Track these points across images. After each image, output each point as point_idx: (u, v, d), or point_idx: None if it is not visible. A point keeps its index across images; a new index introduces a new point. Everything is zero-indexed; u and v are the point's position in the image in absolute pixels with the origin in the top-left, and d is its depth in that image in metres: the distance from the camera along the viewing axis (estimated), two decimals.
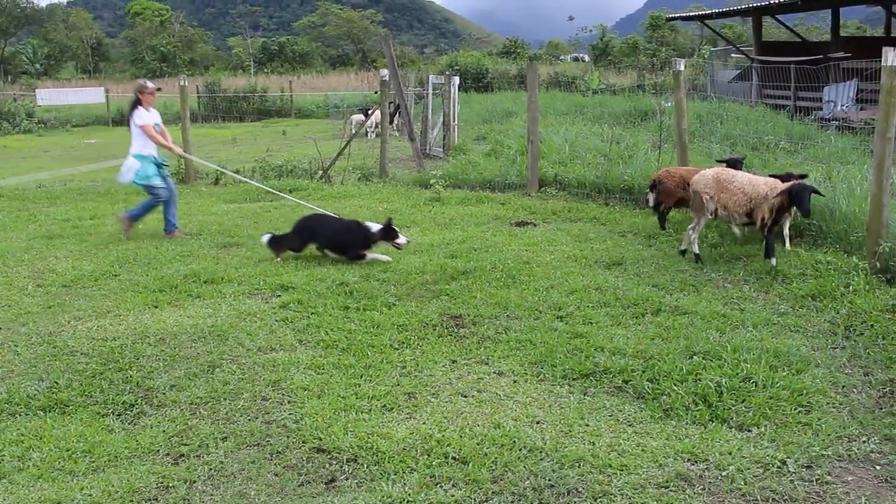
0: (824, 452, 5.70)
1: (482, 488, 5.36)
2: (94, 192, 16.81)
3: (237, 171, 18.58)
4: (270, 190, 14.53)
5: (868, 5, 33.96)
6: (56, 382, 7.23)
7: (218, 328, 8.39)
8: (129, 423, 6.54)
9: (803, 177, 10.41)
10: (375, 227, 10.89)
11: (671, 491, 5.27)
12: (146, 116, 12.32)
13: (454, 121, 21.40)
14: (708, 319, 8.23)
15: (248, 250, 11.57)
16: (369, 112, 23.27)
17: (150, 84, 12.71)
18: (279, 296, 9.44)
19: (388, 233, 10.84)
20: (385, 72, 18.49)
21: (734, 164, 11.78)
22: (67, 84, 44.16)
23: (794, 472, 5.46)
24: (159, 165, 12.59)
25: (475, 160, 18.23)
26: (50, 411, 6.74)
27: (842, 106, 23.83)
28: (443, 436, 6.02)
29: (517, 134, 20.15)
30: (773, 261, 9.83)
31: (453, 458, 5.73)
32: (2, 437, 6.28)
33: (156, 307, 9.19)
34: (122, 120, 33.67)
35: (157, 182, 12.46)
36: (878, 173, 9.11)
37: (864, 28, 75.69)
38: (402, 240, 10.89)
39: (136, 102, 12.46)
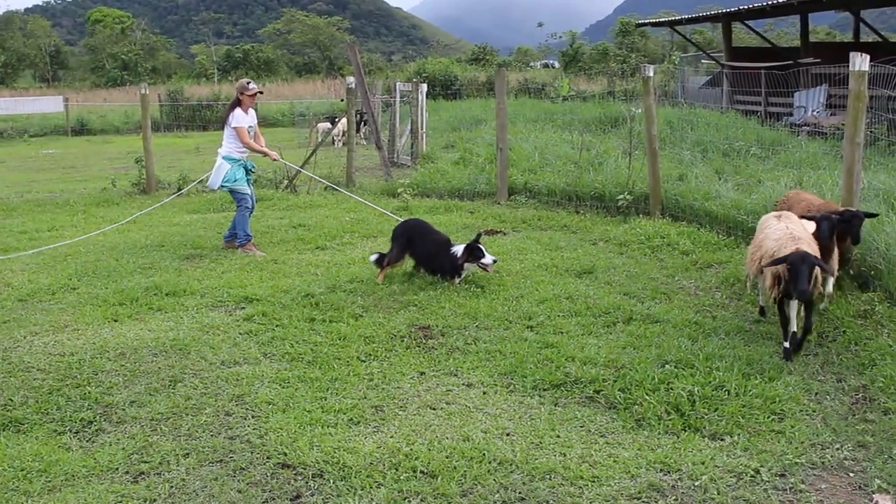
0: (798, 460, 5.62)
1: (451, 502, 5.22)
2: (52, 204, 16.51)
3: (201, 181, 18.37)
4: (369, 203, 14.02)
5: (837, 11, 34.26)
6: (11, 400, 7.02)
7: (180, 342, 8.19)
8: (87, 441, 6.35)
9: (859, 216, 8.39)
10: (460, 248, 9.96)
11: (643, 502, 5.17)
12: (241, 118, 11.82)
13: (422, 129, 21.29)
14: (680, 327, 8.14)
15: (211, 262, 11.36)
16: (336, 120, 23.10)
17: (252, 85, 12.10)
18: (243, 308, 9.25)
19: (473, 252, 9.85)
20: (351, 79, 18.34)
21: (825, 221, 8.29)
22: (25, 93, 43.57)
23: (768, 481, 5.37)
24: (248, 171, 12.15)
25: (444, 168, 18.12)
26: (4, 430, 6.54)
27: (812, 111, 23.96)
28: (411, 449, 5.87)
29: (486, 141, 20.05)
30: (788, 353, 7.44)
31: (422, 472, 5.58)
32: None
33: (116, 321, 8.96)
34: (83, 130, 33.23)
35: (243, 187, 11.97)
36: (848, 178, 9.08)
37: (834, 34, 76.44)
38: (487, 259, 9.84)
39: (236, 103, 12.02)
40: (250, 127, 11.94)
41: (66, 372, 7.56)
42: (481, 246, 9.86)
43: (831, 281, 8.35)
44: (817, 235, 7.98)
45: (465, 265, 9.86)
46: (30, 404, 6.92)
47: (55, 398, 7.02)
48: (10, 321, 9.07)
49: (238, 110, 11.85)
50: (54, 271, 11.04)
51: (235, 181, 11.80)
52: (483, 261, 9.78)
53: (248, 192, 11.98)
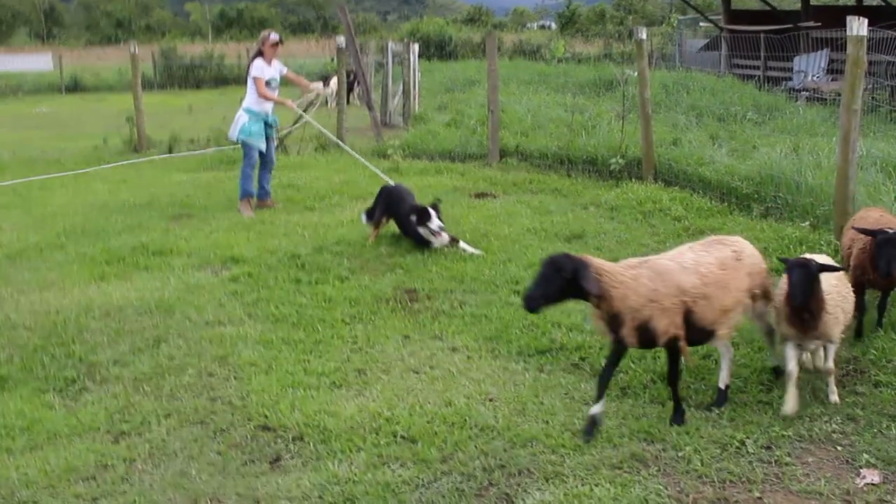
0: (784, 433, 5.58)
1: (431, 468, 5.20)
2: (43, 162, 16.39)
3: (192, 141, 18.27)
4: (369, 165, 13.72)
5: None
6: None
7: (165, 302, 8.15)
8: (71, 400, 6.34)
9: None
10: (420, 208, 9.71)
11: (625, 472, 5.13)
12: (261, 69, 11.53)
13: (414, 90, 21.12)
14: None
15: (199, 221, 11.29)
16: (328, 80, 22.93)
17: (273, 35, 11.78)
18: (229, 268, 9.20)
19: (420, 215, 9.59)
20: (342, 38, 18.15)
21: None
22: (20, 50, 43.19)
23: (753, 453, 5.34)
24: (269, 125, 11.87)
25: (435, 130, 17.99)
26: None
27: (812, 76, 23.77)
28: (392, 414, 5.85)
29: (479, 103, 19.89)
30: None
31: (402, 436, 5.56)
32: None
33: (102, 280, 8.92)
34: (76, 87, 32.98)
35: (255, 141, 11.66)
36: (844, 146, 8.98)
37: None
38: (434, 224, 9.51)
39: (257, 54, 11.75)
40: (273, 78, 11.69)
41: (52, 330, 7.54)
42: (430, 210, 9.55)
43: None
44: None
45: (421, 230, 9.62)
46: (14, 362, 6.91)
47: (40, 356, 7.01)
48: None
49: (259, 60, 11.60)
50: (43, 229, 10.97)
51: (249, 135, 11.59)
52: (429, 224, 9.50)
53: (261, 147, 11.70)
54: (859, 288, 6.74)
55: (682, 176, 12.56)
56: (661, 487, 4.96)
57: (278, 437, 5.65)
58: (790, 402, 5.76)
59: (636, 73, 13.49)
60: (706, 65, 29.63)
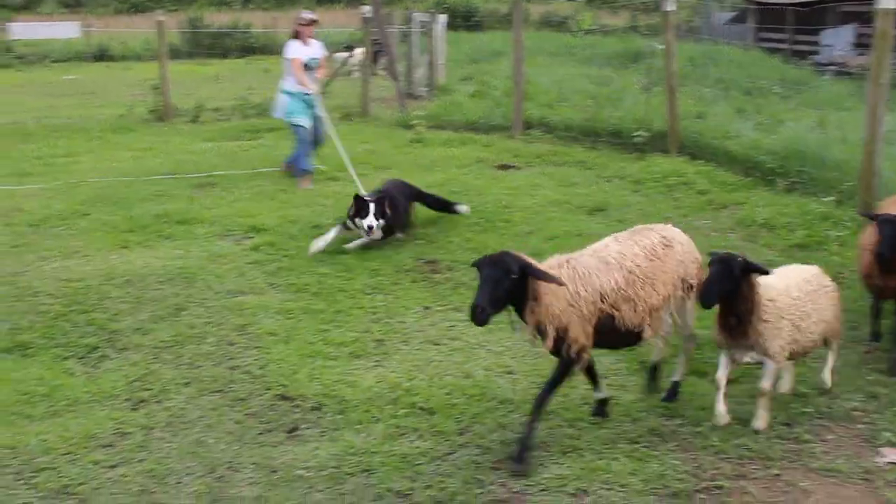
0: (805, 409, 5.54)
1: (448, 440, 5.21)
2: (69, 129, 16.39)
3: (217, 109, 18.26)
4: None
5: None
6: (18, 324, 7.06)
7: (187, 270, 8.17)
8: (91, 367, 6.39)
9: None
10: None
11: (643, 447, 5.12)
12: (295, 50, 11.41)
13: (440, 60, 20.98)
14: None
15: (222, 190, 11.28)
16: (354, 50, 22.80)
17: (305, 15, 11.69)
18: (251, 237, 9.20)
19: (358, 207, 8.75)
20: (367, 8, 18.02)
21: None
22: (48, 18, 43.20)
23: (773, 430, 5.30)
24: (309, 105, 11.57)
25: (460, 101, 17.87)
26: (10, 353, 6.59)
27: (840, 50, 23.45)
28: (411, 385, 5.86)
29: (504, 74, 19.73)
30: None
31: (420, 408, 5.57)
32: None
33: (125, 248, 8.95)
34: (103, 56, 32.94)
35: (298, 118, 11.46)
36: (871, 120, 8.87)
37: None
38: (365, 221, 8.63)
39: (294, 35, 11.63)
40: (311, 59, 11.58)
41: (73, 298, 7.57)
42: (371, 203, 8.65)
43: None
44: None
45: (354, 221, 8.77)
46: (36, 329, 6.95)
47: (61, 323, 7.06)
48: (21, 246, 9.07)
49: (295, 42, 11.49)
50: (67, 197, 11.00)
51: (290, 114, 11.51)
52: (364, 221, 8.62)
53: (303, 124, 11.48)
54: (876, 294, 6.53)
55: (707, 149, 12.44)
56: (679, 463, 4.95)
57: (296, 407, 5.67)
58: (719, 415, 5.30)
59: (663, 46, 13.35)
60: (733, 38, 29.28)
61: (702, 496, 4.72)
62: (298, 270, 8.11)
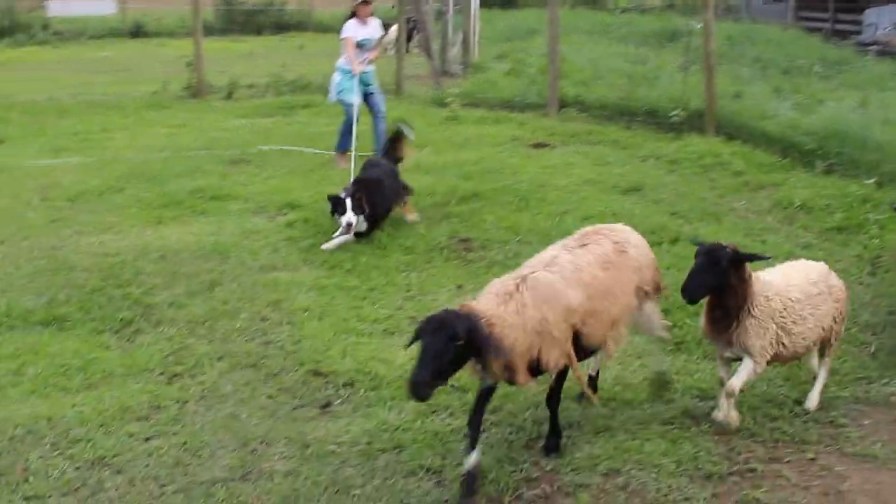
0: (841, 394, 5.48)
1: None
2: (105, 106, 16.50)
3: (250, 86, 18.27)
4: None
5: None
6: (55, 298, 7.12)
7: (221, 246, 8.21)
8: (126, 341, 6.44)
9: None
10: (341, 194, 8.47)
11: (676, 428, 5.08)
12: (349, 29, 11.24)
13: (474, 38, 20.87)
14: None
15: (256, 167, 11.30)
16: (388, 28, 22.75)
17: None
18: (285, 214, 9.23)
19: (336, 205, 8.37)
20: None
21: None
22: None
23: (809, 414, 5.24)
24: (364, 84, 11.43)
25: (494, 79, 17.77)
26: (47, 326, 6.66)
27: (884, 29, 23.05)
28: None
29: (539, 52, 19.58)
30: None
31: (452, 386, 5.55)
32: None
33: (159, 223, 9.00)
34: (138, 32, 33.05)
35: (347, 97, 11.28)
36: None
37: None
38: (344, 217, 8.20)
39: (351, 14, 11.45)
40: (366, 38, 11.43)
41: (109, 272, 7.63)
42: (346, 198, 8.27)
43: None
44: None
45: (335, 216, 8.39)
46: (73, 303, 7.01)
47: (97, 297, 7.11)
48: (59, 220, 9.15)
49: (351, 21, 11.38)
50: (102, 172, 11.07)
51: (341, 91, 11.42)
52: (341, 218, 8.24)
53: (354, 102, 11.20)
54: None
55: (744, 129, 12.30)
56: (712, 445, 4.91)
57: (329, 383, 5.69)
58: (721, 414, 5.04)
59: (701, 25, 13.19)
60: (772, 17, 28.89)
61: (735, 479, 4.69)
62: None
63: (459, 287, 7.21)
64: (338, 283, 7.32)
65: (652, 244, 7.88)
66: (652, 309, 5.29)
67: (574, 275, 4.68)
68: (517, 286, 4.51)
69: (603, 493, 4.57)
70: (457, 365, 4.29)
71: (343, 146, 11.36)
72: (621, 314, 4.91)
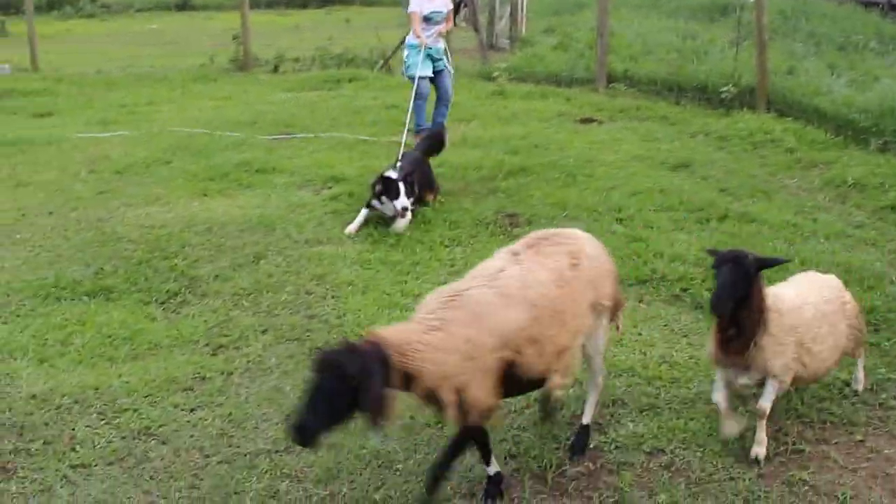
0: (892, 376, 5.36)
1: (528, 393, 5.13)
2: (152, 79, 16.63)
3: (297, 60, 18.28)
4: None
5: None
6: (102, 268, 7.19)
7: (266, 219, 8.22)
8: (172, 312, 6.48)
9: None
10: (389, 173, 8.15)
11: None
12: (416, 2, 10.88)
13: (522, 12, 20.69)
14: (777, 228, 7.80)
15: (301, 140, 11.30)
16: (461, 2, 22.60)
17: None
18: (330, 187, 9.21)
19: (386, 186, 7.98)
20: None
21: None
22: None
23: (857, 396, 5.14)
24: (432, 59, 11.05)
25: (542, 53, 17.61)
26: (94, 297, 6.72)
27: None
28: None
29: (587, 26, 19.37)
30: None
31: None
32: (46, 322, 6.27)
33: (205, 196, 9.04)
34: (185, 5, 33.26)
35: (415, 72, 10.85)
36: None
37: None
38: (398, 202, 7.84)
39: None
40: (434, 12, 10.93)
41: (155, 244, 7.68)
42: (399, 181, 7.90)
43: None
44: None
45: (381, 201, 8.03)
46: (119, 274, 7.07)
47: (143, 269, 7.16)
48: (106, 192, 9.23)
49: None
50: (150, 145, 11.15)
51: (409, 67, 11.24)
52: (395, 202, 7.87)
53: (421, 76, 10.77)
54: None
55: (796, 106, 12.08)
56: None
57: None
58: (725, 428, 4.63)
59: None
60: None
61: (781, 459, 4.62)
62: (376, 221, 8.09)
63: None
64: (381, 257, 7.30)
65: (700, 221, 7.94)
66: (603, 328, 4.61)
67: (520, 292, 4.03)
68: (448, 305, 3.94)
69: (646, 472, 4.52)
70: (350, 409, 3.62)
71: (419, 124, 11.02)
72: (571, 341, 4.21)
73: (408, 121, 10.02)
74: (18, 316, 6.38)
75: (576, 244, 4.41)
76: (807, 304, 4.63)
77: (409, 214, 7.93)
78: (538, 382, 4.19)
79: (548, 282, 4.13)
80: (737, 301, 4.25)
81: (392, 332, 3.79)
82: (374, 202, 8.06)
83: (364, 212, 8.13)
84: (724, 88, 12.96)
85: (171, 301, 6.64)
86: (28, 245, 7.81)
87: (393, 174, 7.99)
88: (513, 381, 4.01)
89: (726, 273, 4.26)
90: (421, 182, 8.36)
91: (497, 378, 3.91)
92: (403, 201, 7.83)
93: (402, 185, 7.88)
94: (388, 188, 7.91)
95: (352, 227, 7.99)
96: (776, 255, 4.75)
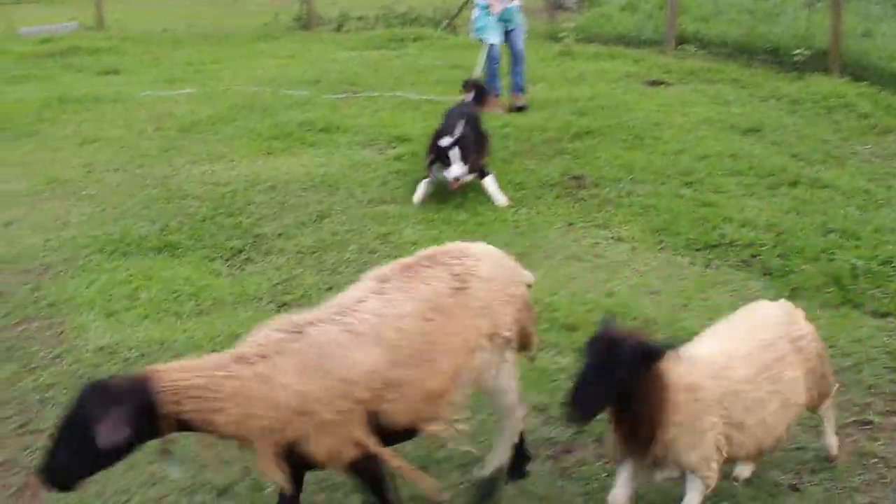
0: None
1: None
2: (216, 37, 16.67)
3: (360, 18, 18.21)
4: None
5: None
6: (167, 225, 7.25)
7: (330, 178, 8.22)
8: (236, 269, 6.52)
9: None
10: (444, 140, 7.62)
11: None
12: None
13: None
14: (849, 195, 7.60)
15: (365, 99, 11.25)
16: None
17: None
18: (395, 147, 9.17)
19: (438, 153, 7.59)
20: None
21: None
22: None
23: None
24: (506, 20, 10.72)
25: (610, 13, 17.30)
26: (160, 253, 6.79)
27: None
28: (552, 300, 5.74)
29: None
30: None
31: (562, 324, 5.47)
32: (113, 277, 6.35)
33: (269, 154, 9.05)
34: None
35: (484, 35, 10.67)
36: None
37: None
38: (452, 170, 7.44)
39: None
40: None
41: (220, 201, 7.72)
42: (450, 148, 7.46)
43: None
44: None
45: (435, 168, 7.65)
46: (185, 230, 7.13)
47: (208, 226, 7.21)
48: (171, 150, 9.29)
49: None
50: (214, 103, 11.18)
51: (478, 30, 11.07)
52: (447, 173, 7.51)
53: (492, 40, 10.57)
54: None
55: (872, 70, 11.75)
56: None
57: None
58: None
59: None
60: None
61: (850, 430, 4.52)
62: (441, 181, 8.01)
63: (570, 224, 7.08)
64: (446, 217, 7.26)
65: (771, 186, 7.75)
66: (509, 364, 3.85)
67: (373, 329, 3.39)
68: (279, 342, 3.32)
69: None
70: (110, 459, 3.16)
71: (492, 87, 10.65)
72: (446, 384, 3.53)
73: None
74: (86, 271, 6.46)
75: (464, 264, 3.68)
76: (734, 362, 3.57)
77: (464, 179, 7.55)
78: (408, 434, 3.57)
79: (412, 314, 3.47)
80: (609, 403, 3.31)
81: (175, 371, 3.18)
82: (431, 168, 7.70)
83: (423, 183, 7.78)
84: (797, 51, 12.66)
85: (236, 258, 6.67)
86: (95, 201, 7.91)
87: (447, 140, 7.52)
88: (378, 429, 3.41)
89: (590, 367, 3.23)
90: (476, 143, 7.90)
91: (360, 426, 3.33)
92: (457, 170, 7.43)
93: (454, 152, 7.45)
94: (440, 156, 7.56)
95: (417, 197, 7.71)
96: (669, 340, 3.54)
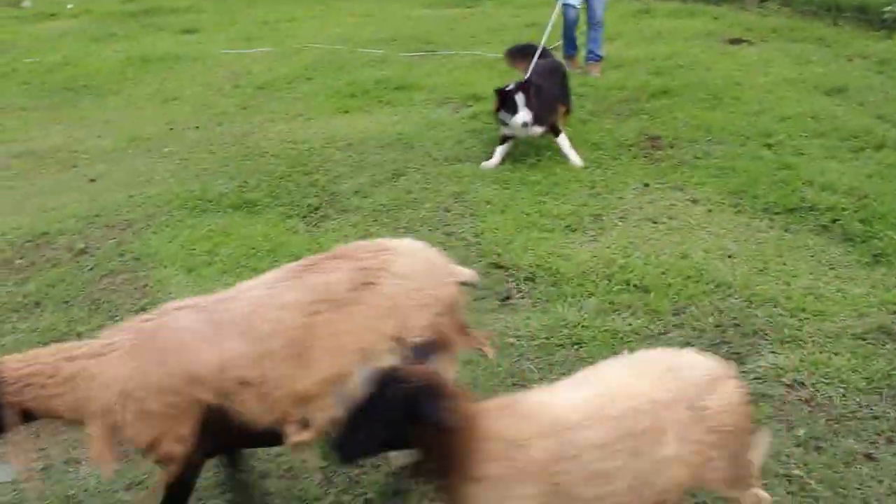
0: None
1: (662, 320, 5.07)
2: None
3: None
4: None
5: None
6: (246, 182, 7.36)
7: (405, 136, 8.25)
8: (313, 226, 6.60)
9: None
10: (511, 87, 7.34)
11: (869, 343, 4.80)
12: None
13: None
14: None
15: (441, 58, 11.25)
16: None
17: None
18: (470, 106, 9.15)
19: (504, 100, 7.27)
20: None
21: None
22: None
23: None
24: None
25: None
26: (238, 210, 6.90)
27: None
28: (626, 262, 5.72)
29: None
30: None
31: (635, 286, 5.43)
32: (193, 233, 6.49)
33: (345, 112, 9.13)
34: None
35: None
36: None
37: None
38: (519, 117, 7.14)
39: None
40: None
41: (297, 159, 7.82)
42: (517, 93, 7.15)
43: None
44: None
45: (501, 115, 7.34)
46: (262, 188, 7.24)
47: (285, 183, 7.31)
48: (249, 107, 9.42)
49: None
50: (291, 62, 11.29)
51: None
52: (511, 120, 7.21)
53: (574, 3, 10.06)
54: None
55: None
56: None
57: (510, 276, 5.66)
58: None
59: None
60: None
61: None
62: (520, 139, 7.98)
63: (646, 185, 7.00)
64: (521, 177, 7.24)
65: (854, 149, 7.56)
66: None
67: (243, 319, 3.16)
68: (138, 325, 3.23)
69: (786, 405, 4.37)
70: None
71: (568, 50, 10.58)
72: (321, 388, 3.19)
73: (543, 42, 9.52)
74: (168, 226, 6.62)
75: (376, 259, 3.34)
76: (590, 420, 2.82)
77: (534, 129, 7.31)
78: (272, 438, 3.27)
79: (292, 307, 3.18)
80: (384, 447, 2.97)
81: (14, 362, 3.09)
82: (502, 119, 7.35)
83: (499, 149, 7.57)
84: (887, 8, 12.24)
85: (312, 215, 6.76)
86: (176, 158, 8.08)
87: (511, 85, 7.26)
88: (232, 430, 3.19)
89: (356, 415, 2.72)
90: (552, 94, 7.64)
91: (188, 424, 3.13)
92: (523, 116, 7.10)
93: (519, 97, 7.13)
94: (504, 102, 7.23)
95: (491, 163, 7.52)
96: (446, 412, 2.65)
